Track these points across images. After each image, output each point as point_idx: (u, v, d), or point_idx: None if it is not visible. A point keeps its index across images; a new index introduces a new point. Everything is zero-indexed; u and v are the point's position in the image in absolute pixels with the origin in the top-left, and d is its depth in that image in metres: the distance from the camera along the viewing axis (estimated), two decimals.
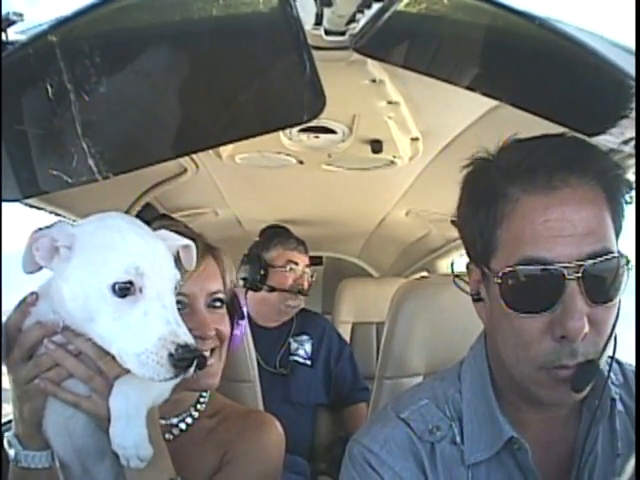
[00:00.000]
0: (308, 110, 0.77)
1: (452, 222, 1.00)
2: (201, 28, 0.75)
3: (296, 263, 2.36)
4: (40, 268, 0.88)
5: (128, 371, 0.86)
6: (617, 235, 0.85)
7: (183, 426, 1.16)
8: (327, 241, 3.27)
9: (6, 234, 0.96)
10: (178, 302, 0.94)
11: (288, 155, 1.74)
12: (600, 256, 0.81)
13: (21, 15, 0.74)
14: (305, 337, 2.39)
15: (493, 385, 0.95)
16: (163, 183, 1.94)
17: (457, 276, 1.00)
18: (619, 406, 0.92)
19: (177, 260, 0.95)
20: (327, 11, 0.85)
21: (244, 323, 1.29)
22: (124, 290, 0.84)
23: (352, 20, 0.87)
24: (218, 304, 1.16)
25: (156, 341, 0.82)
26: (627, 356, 0.95)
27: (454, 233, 0.97)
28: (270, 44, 0.77)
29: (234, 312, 1.25)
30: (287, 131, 1.53)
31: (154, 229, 0.95)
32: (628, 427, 0.92)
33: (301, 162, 1.80)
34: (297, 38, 0.74)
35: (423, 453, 0.93)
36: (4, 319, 0.92)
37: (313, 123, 1.23)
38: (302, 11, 0.75)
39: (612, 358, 0.89)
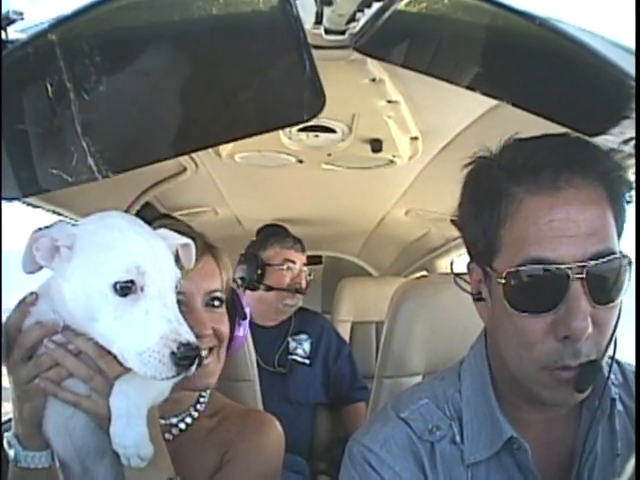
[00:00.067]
0: (308, 109, 0.77)
1: (452, 221, 0.99)
2: (201, 27, 0.75)
3: (293, 262, 2.36)
4: (40, 268, 0.88)
5: (128, 370, 0.86)
6: (619, 236, 0.85)
7: (183, 426, 1.16)
8: (327, 240, 3.27)
9: (6, 233, 0.96)
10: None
11: (288, 154, 1.74)
12: (604, 257, 0.81)
13: (21, 14, 0.74)
14: (304, 336, 2.39)
15: (493, 385, 0.95)
16: (162, 182, 1.94)
17: (458, 275, 1.00)
18: (619, 406, 0.92)
19: (177, 259, 0.95)
20: (327, 10, 0.85)
21: (246, 324, 1.29)
22: (125, 289, 0.84)
23: (352, 19, 0.87)
24: (217, 303, 1.16)
25: (158, 340, 0.83)
26: (627, 356, 0.95)
27: (453, 232, 0.97)
28: (270, 43, 0.77)
29: (235, 312, 1.24)
30: (287, 130, 1.53)
31: (155, 228, 0.95)
32: (628, 427, 0.92)
33: (301, 161, 1.80)
34: (297, 37, 0.74)
35: (423, 453, 0.93)
36: (4, 319, 0.91)
37: (313, 122, 1.23)
38: (302, 10, 0.75)
39: (612, 358, 0.89)
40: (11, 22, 0.74)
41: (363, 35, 0.87)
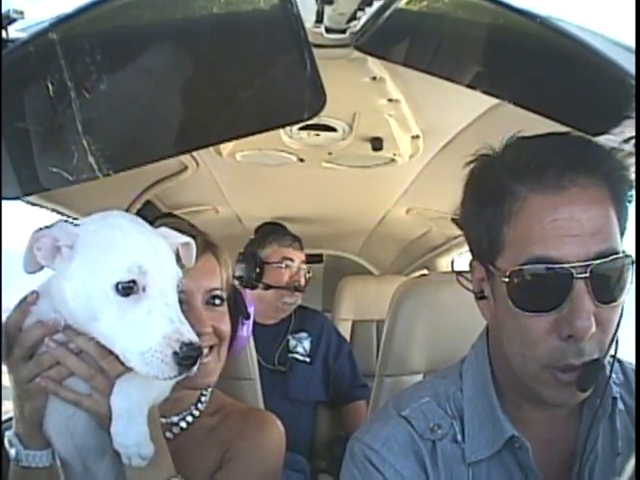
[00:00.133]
0: (309, 108, 0.77)
1: (453, 220, 0.99)
2: (202, 26, 0.75)
3: (292, 260, 2.36)
4: (41, 268, 0.87)
5: (130, 369, 0.86)
6: (621, 235, 0.85)
7: (184, 424, 1.16)
8: (327, 239, 3.27)
9: (6, 232, 0.96)
10: None
11: (288, 153, 1.74)
12: (607, 256, 0.81)
13: (22, 13, 0.74)
14: (304, 334, 2.39)
15: (495, 383, 0.95)
16: (163, 180, 1.94)
17: (460, 273, 1.00)
18: (620, 405, 0.92)
19: (177, 257, 0.95)
20: (328, 9, 0.85)
21: (250, 324, 1.28)
22: (127, 289, 0.84)
23: (353, 18, 0.87)
24: (217, 302, 1.15)
25: (160, 339, 0.83)
26: (627, 355, 0.95)
27: (454, 231, 0.97)
28: (271, 42, 0.77)
29: (238, 311, 1.24)
30: (287, 129, 1.53)
31: (156, 227, 0.95)
32: (628, 426, 0.92)
33: (301, 160, 1.80)
34: (298, 36, 0.74)
35: (424, 451, 0.93)
36: (4, 318, 0.91)
37: (313, 121, 1.22)
38: (303, 9, 0.75)
39: (614, 357, 0.89)
40: (12, 21, 0.74)
41: (364, 34, 0.87)
